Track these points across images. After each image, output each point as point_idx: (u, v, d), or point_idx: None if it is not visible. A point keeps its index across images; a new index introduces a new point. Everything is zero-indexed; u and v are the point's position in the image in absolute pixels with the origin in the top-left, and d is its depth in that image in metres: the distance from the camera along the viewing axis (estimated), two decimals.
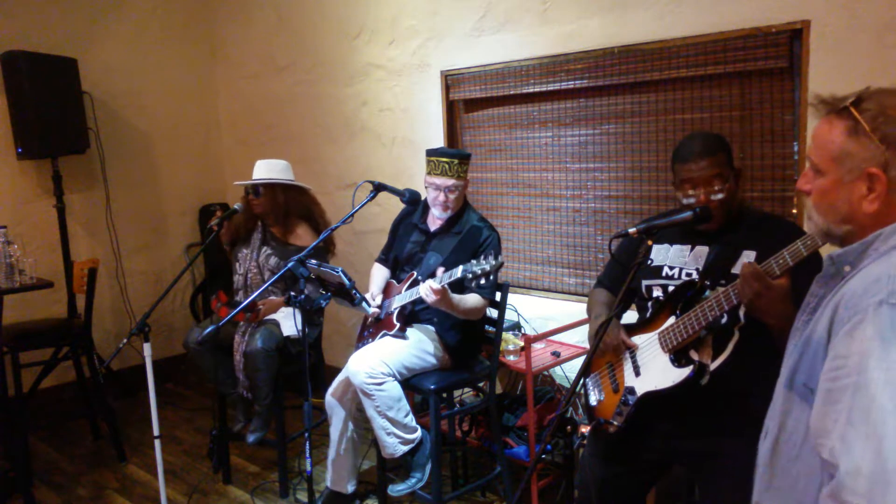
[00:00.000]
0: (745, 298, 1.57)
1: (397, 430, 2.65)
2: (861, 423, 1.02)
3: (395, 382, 2.64)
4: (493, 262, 2.37)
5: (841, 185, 1.17)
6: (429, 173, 2.75)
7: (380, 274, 3.03)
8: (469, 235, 2.76)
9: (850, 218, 1.18)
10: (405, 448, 2.68)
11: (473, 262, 2.40)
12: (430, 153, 2.75)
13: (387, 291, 2.94)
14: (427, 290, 2.48)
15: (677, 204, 1.95)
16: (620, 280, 2.08)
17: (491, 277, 2.40)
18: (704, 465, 1.88)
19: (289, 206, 3.23)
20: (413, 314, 2.85)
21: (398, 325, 2.76)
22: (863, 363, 1.03)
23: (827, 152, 1.18)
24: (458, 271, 2.41)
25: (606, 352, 2.04)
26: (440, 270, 2.53)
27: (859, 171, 1.14)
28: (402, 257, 2.93)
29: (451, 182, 2.71)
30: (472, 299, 2.66)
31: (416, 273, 2.80)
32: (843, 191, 1.17)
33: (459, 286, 2.57)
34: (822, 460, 1.09)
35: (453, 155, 2.71)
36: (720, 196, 1.85)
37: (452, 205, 2.76)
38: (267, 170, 3.24)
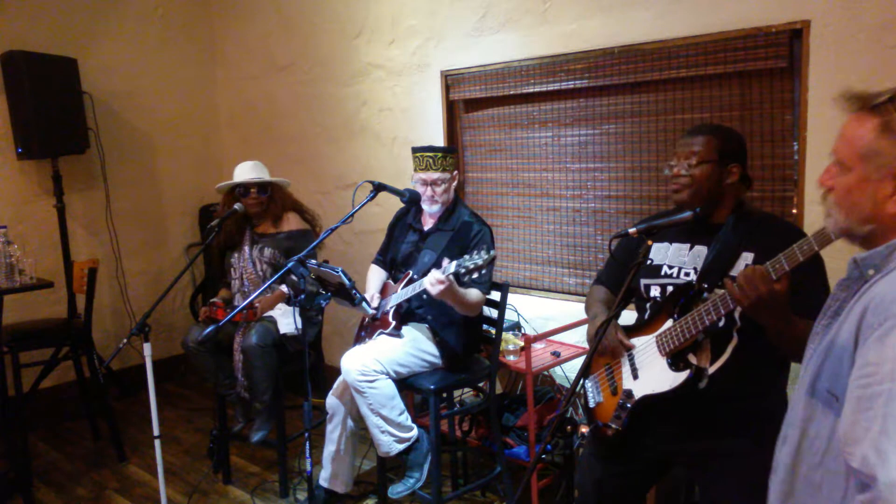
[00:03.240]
0: (748, 301, 1.56)
1: (391, 429, 2.66)
2: None
3: (389, 380, 2.64)
4: (486, 256, 2.41)
5: (867, 184, 1.15)
6: (415, 169, 2.83)
7: (377, 276, 3.04)
8: (461, 231, 2.80)
9: (873, 218, 1.15)
10: (400, 447, 2.68)
11: (466, 257, 2.44)
12: (415, 150, 2.84)
13: (384, 292, 2.95)
14: (432, 281, 2.48)
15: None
16: (619, 279, 2.08)
17: (484, 271, 2.44)
18: (704, 466, 1.88)
19: (284, 201, 3.35)
20: (409, 312, 2.86)
21: (394, 323, 2.77)
22: None
23: (855, 149, 1.16)
24: (452, 267, 2.45)
25: (605, 352, 2.04)
26: (445, 261, 2.55)
27: (887, 170, 1.12)
28: (399, 258, 2.95)
29: (436, 175, 2.77)
30: (472, 293, 2.68)
31: (411, 272, 2.82)
32: (868, 189, 1.15)
33: (456, 282, 2.58)
34: (850, 468, 1.07)
35: (437, 150, 2.80)
36: (684, 172, 1.90)
37: (440, 198, 2.81)
38: (257, 170, 3.31)
